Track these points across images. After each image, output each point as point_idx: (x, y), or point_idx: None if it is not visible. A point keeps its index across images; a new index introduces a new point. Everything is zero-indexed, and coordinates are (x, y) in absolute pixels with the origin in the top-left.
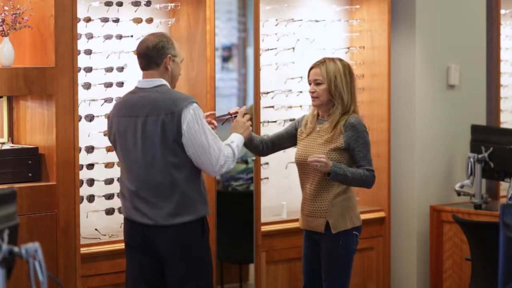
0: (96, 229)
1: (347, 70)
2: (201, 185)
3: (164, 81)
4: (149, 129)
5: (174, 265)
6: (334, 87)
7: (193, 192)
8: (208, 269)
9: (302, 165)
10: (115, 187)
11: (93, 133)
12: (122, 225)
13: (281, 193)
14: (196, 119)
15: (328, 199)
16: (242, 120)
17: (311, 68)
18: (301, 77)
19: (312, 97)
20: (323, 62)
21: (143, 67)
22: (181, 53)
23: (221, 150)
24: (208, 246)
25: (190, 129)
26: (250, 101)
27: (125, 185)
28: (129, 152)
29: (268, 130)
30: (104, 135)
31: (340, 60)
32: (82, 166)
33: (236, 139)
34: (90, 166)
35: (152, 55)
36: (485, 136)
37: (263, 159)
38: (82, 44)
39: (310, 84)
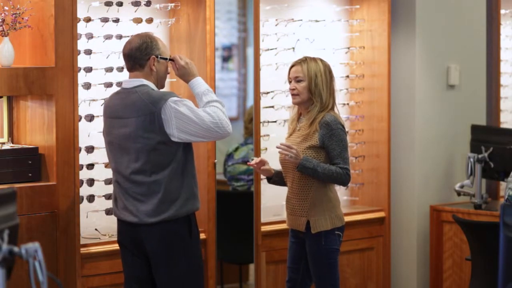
0: (96, 229)
1: (327, 69)
2: (188, 182)
3: (144, 81)
4: (131, 130)
5: (159, 265)
6: (315, 85)
7: (176, 190)
8: (196, 273)
9: (284, 164)
10: None
11: (93, 133)
12: None
13: (281, 193)
14: (176, 110)
15: (308, 198)
16: (183, 64)
17: (292, 66)
18: None
19: (292, 94)
20: (304, 60)
21: (128, 69)
22: (167, 52)
23: (209, 114)
24: (198, 248)
25: (172, 118)
26: (250, 101)
27: (114, 185)
28: (115, 152)
29: (268, 130)
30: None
31: (321, 60)
32: (82, 166)
33: (202, 85)
34: (90, 166)
35: (136, 56)
36: (485, 136)
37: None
38: (82, 44)
39: (290, 82)
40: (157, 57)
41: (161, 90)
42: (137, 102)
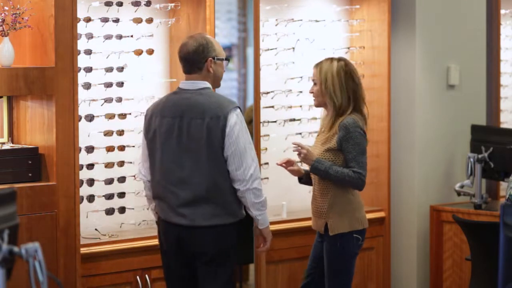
0: (96, 229)
1: (342, 70)
2: (233, 186)
3: (208, 84)
4: (194, 131)
5: (208, 266)
6: (325, 88)
7: (232, 195)
8: (233, 271)
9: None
10: (115, 187)
11: (93, 133)
12: (122, 225)
13: (281, 193)
14: (239, 123)
15: (327, 200)
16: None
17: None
18: (301, 77)
19: (313, 97)
20: (320, 62)
21: (186, 71)
22: (223, 52)
23: (254, 161)
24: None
25: (233, 131)
26: (250, 101)
27: (162, 186)
28: (171, 153)
29: (268, 130)
30: (105, 135)
31: (340, 60)
32: (82, 166)
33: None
34: (90, 166)
35: (193, 59)
36: (485, 136)
37: (263, 159)
38: (82, 44)
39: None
40: (213, 58)
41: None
42: (204, 104)
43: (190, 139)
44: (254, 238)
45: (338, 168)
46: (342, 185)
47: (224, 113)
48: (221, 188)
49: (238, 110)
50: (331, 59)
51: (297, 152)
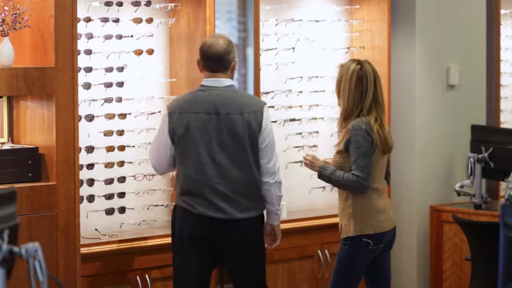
0: (96, 229)
1: (354, 73)
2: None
3: (232, 82)
4: (232, 126)
5: (247, 257)
6: (337, 90)
7: (260, 187)
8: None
9: None
10: (115, 187)
11: (93, 133)
12: (122, 225)
13: None
14: (269, 118)
15: (341, 203)
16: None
17: None
18: (301, 77)
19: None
20: (342, 63)
21: (213, 70)
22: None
23: (277, 156)
24: None
25: (267, 125)
26: None
27: (197, 181)
28: (207, 147)
29: None
30: (105, 135)
31: (358, 63)
32: (82, 166)
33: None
34: (90, 166)
35: (224, 59)
36: (485, 136)
37: None
38: (82, 44)
39: None
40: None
41: None
42: (237, 100)
43: (229, 134)
44: (264, 236)
45: (340, 173)
46: (345, 189)
47: (259, 107)
48: (256, 181)
49: (266, 106)
50: (352, 61)
51: (303, 160)
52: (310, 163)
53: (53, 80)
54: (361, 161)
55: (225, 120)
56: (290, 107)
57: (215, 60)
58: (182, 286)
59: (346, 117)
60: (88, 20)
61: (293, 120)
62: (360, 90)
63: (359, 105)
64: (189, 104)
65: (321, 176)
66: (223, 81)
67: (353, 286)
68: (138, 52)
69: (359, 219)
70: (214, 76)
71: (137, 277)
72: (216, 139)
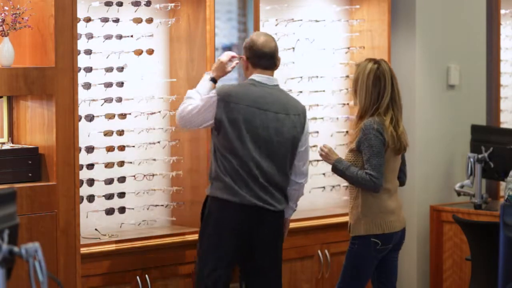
0: (96, 229)
1: (372, 73)
2: None
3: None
4: (279, 125)
5: (276, 247)
6: (354, 89)
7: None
8: None
9: None
10: (115, 187)
11: (93, 133)
12: (122, 225)
13: None
14: (308, 123)
15: (352, 201)
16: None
17: None
18: (301, 77)
19: None
20: (359, 62)
21: (266, 67)
22: None
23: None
24: None
25: (307, 129)
26: None
27: (243, 171)
28: (254, 141)
29: None
30: (105, 135)
31: (376, 62)
32: (82, 166)
33: None
34: (90, 166)
35: (275, 57)
36: (485, 136)
37: None
38: (82, 44)
39: None
40: None
41: None
42: (284, 100)
43: (275, 132)
44: None
45: (355, 169)
46: (357, 186)
47: (303, 111)
48: (288, 180)
49: None
50: (369, 60)
51: (319, 151)
52: (326, 155)
53: (53, 80)
54: (374, 160)
55: (273, 118)
56: None
57: (269, 58)
58: (213, 280)
59: (361, 116)
60: (88, 20)
61: None
62: (377, 90)
63: (375, 105)
64: (240, 96)
65: (335, 169)
66: (273, 80)
67: (361, 285)
68: (138, 52)
69: (368, 219)
70: (264, 73)
71: (137, 277)
72: (262, 135)
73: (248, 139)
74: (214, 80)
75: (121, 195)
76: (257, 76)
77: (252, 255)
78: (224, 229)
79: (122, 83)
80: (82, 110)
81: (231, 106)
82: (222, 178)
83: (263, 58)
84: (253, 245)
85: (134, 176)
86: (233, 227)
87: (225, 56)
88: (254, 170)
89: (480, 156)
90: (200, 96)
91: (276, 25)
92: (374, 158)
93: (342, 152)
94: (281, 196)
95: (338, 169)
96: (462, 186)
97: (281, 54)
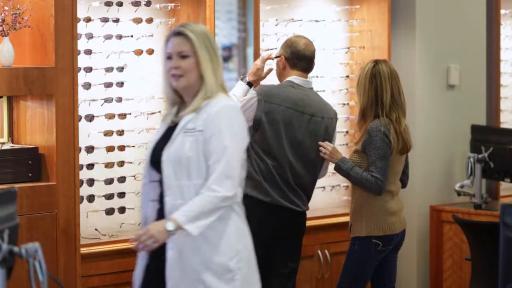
0: (96, 229)
1: (369, 72)
2: None
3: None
4: (313, 127)
5: (298, 244)
6: (357, 92)
7: None
8: None
9: None
10: (115, 187)
11: (93, 133)
12: (122, 225)
13: None
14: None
15: (353, 201)
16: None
17: None
18: None
19: None
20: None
21: (305, 69)
22: None
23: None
24: None
25: (336, 135)
26: None
27: (276, 171)
28: (289, 142)
29: None
30: (105, 135)
31: (376, 63)
32: (82, 166)
33: None
34: (90, 166)
35: (313, 61)
36: (485, 136)
37: None
38: (82, 44)
39: None
40: None
41: None
42: (319, 104)
43: (310, 134)
44: None
45: (359, 170)
46: (360, 187)
47: (335, 115)
48: (316, 181)
49: None
50: (371, 61)
51: (322, 146)
52: (330, 154)
53: (53, 80)
54: (379, 163)
55: (309, 121)
56: None
57: (308, 61)
58: None
59: (363, 115)
60: (88, 20)
61: None
62: (374, 88)
63: (374, 104)
64: (281, 97)
65: (338, 169)
66: (309, 83)
67: (361, 285)
68: (138, 52)
69: (369, 220)
70: (302, 76)
71: None
72: (297, 136)
73: (286, 141)
74: (250, 85)
75: (121, 195)
76: (295, 78)
77: (274, 253)
78: (250, 227)
79: (122, 83)
80: (82, 110)
81: (271, 107)
82: (254, 176)
83: (303, 60)
84: (277, 244)
85: (134, 176)
86: (260, 225)
87: (260, 61)
88: (288, 172)
89: (480, 156)
90: (235, 98)
91: (276, 25)
92: (380, 161)
93: (341, 152)
94: (306, 198)
95: (342, 168)
96: (462, 186)
97: None
